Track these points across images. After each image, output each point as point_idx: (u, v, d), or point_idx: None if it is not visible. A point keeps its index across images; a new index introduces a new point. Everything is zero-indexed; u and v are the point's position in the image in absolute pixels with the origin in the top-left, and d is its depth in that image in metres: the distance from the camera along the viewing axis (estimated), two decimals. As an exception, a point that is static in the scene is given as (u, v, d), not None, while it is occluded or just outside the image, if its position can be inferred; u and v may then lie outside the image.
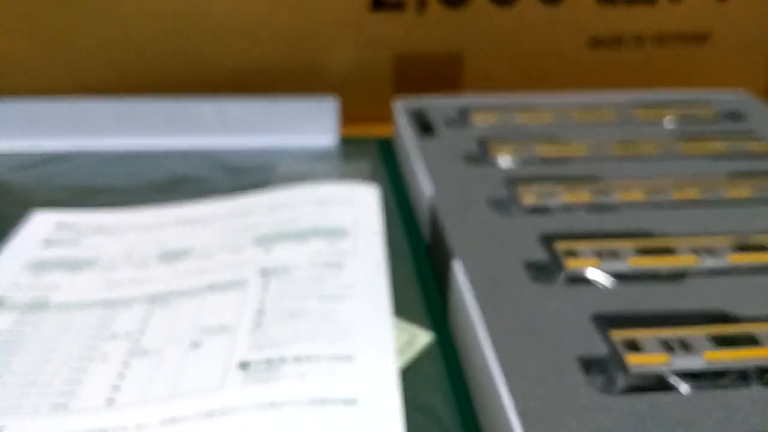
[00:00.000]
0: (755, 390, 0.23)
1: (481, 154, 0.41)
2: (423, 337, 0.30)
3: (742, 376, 0.24)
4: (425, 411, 0.26)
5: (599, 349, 0.25)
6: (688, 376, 0.24)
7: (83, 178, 0.45)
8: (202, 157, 0.48)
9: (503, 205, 0.35)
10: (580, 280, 0.29)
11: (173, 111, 0.50)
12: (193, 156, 0.48)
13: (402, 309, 0.32)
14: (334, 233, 0.35)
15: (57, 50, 0.50)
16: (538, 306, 0.27)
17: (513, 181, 0.37)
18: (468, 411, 0.27)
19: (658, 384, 0.23)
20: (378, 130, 0.54)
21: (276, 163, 0.47)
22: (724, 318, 0.27)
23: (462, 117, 0.48)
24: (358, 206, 0.38)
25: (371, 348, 0.28)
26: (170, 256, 0.35)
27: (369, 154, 0.49)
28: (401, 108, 0.48)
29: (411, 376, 0.28)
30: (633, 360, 0.24)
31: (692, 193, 0.36)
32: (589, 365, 0.24)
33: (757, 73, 0.60)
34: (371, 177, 0.45)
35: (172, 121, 0.50)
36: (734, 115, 0.48)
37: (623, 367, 0.24)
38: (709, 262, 0.30)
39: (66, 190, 0.43)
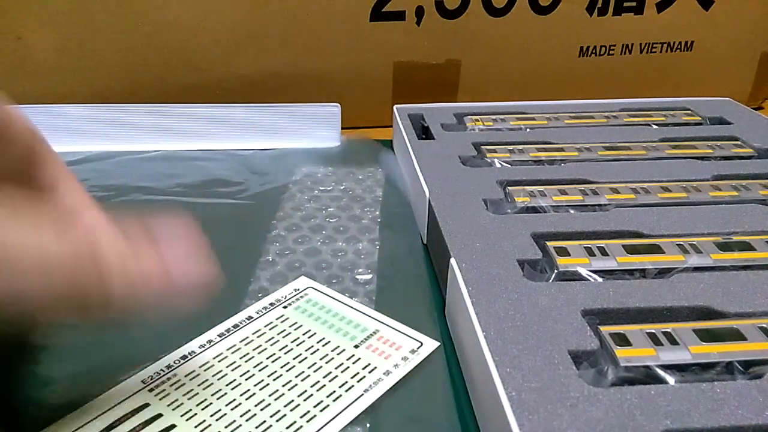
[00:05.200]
0: (741, 383, 0.23)
1: (477, 157, 0.41)
2: (429, 346, 0.29)
3: (728, 370, 0.23)
4: (423, 422, 0.25)
5: (590, 343, 0.24)
6: (676, 369, 0.23)
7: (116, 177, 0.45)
8: (211, 158, 0.48)
9: (498, 205, 0.35)
10: (571, 277, 0.29)
11: (194, 116, 0.50)
12: (203, 157, 0.48)
13: (402, 305, 0.31)
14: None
15: (78, 59, 0.50)
16: (531, 302, 0.27)
17: (507, 182, 0.37)
18: (467, 421, 0.26)
19: (647, 377, 0.23)
20: (378, 134, 0.54)
21: (279, 163, 0.47)
22: (709, 313, 0.27)
23: (458, 122, 0.48)
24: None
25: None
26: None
27: (370, 156, 0.49)
28: (400, 113, 0.48)
29: (413, 384, 0.27)
30: (622, 354, 0.24)
31: (678, 195, 0.36)
32: (580, 359, 0.24)
33: (741, 80, 0.59)
34: (371, 178, 0.45)
35: (193, 126, 0.50)
36: (719, 121, 0.48)
37: (613, 360, 0.24)
38: (695, 260, 0.29)
39: (101, 188, 0.43)
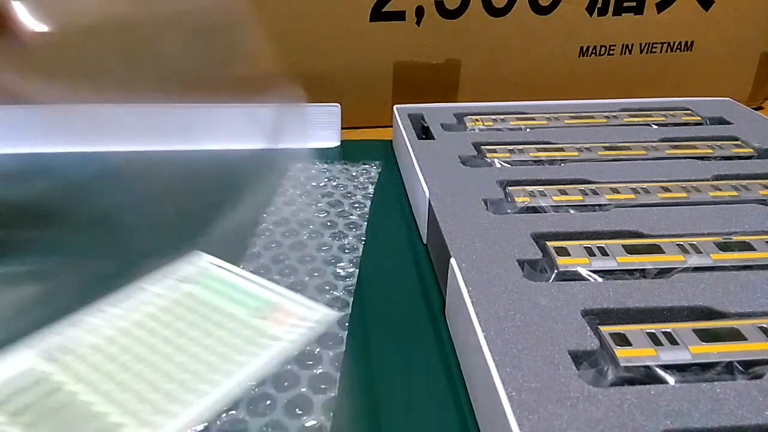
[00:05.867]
0: (741, 383, 0.22)
1: (477, 157, 0.41)
2: (330, 315, 0.29)
3: (728, 370, 0.23)
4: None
5: (590, 343, 0.24)
6: (676, 369, 0.23)
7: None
8: (212, 157, 0.48)
9: (498, 205, 0.35)
10: (571, 277, 0.29)
11: (191, 116, 0.50)
12: (204, 156, 0.48)
13: (401, 306, 0.31)
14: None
15: (78, 59, 0.50)
16: (531, 302, 0.27)
17: (507, 182, 0.37)
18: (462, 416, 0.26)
19: (647, 376, 0.23)
20: (378, 134, 0.54)
21: (277, 162, 0.47)
22: (710, 313, 0.27)
23: (458, 122, 0.48)
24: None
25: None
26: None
27: (369, 156, 0.49)
28: (400, 113, 0.48)
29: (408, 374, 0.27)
30: (622, 354, 0.24)
31: (678, 195, 0.36)
32: (580, 359, 0.24)
33: (741, 80, 0.59)
34: (365, 175, 0.45)
35: (189, 125, 0.50)
36: (719, 121, 0.48)
37: (613, 360, 0.24)
38: (695, 260, 0.29)
39: (91, 183, 0.43)
